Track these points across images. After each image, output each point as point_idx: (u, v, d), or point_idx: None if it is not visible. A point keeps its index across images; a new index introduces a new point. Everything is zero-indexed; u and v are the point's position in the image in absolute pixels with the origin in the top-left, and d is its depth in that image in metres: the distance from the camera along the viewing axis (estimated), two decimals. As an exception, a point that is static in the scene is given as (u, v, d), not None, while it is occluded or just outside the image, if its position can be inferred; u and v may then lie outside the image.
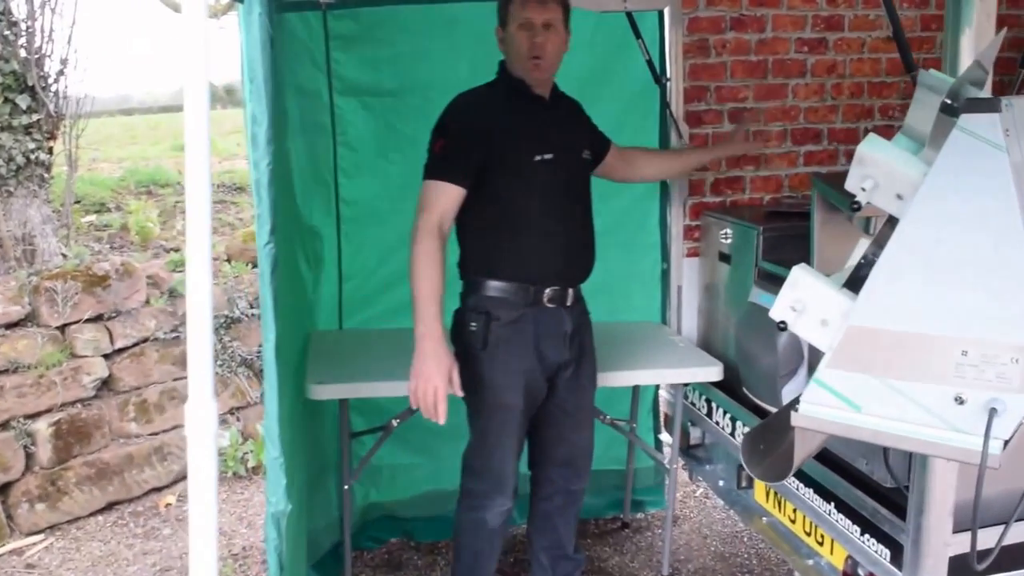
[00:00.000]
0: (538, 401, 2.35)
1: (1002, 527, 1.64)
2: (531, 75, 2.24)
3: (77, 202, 4.96)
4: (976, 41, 1.58)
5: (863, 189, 1.40)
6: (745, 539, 3.23)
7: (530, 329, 2.26)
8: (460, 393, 2.11)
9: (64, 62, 4.33)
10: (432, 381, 2.04)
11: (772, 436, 1.67)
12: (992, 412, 1.20)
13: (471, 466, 2.37)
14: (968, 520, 1.71)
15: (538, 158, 2.22)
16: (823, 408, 1.37)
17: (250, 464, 3.87)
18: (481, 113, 2.22)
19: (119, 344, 3.70)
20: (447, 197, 2.14)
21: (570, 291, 2.32)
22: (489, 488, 2.34)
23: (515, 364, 2.25)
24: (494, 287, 2.24)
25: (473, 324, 2.23)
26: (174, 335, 3.86)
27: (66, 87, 4.35)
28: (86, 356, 3.61)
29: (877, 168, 1.39)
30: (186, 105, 1.15)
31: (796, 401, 1.45)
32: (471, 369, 2.21)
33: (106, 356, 3.67)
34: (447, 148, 2.17)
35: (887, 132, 3.39)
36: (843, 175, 1.48)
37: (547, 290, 2.26)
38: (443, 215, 2.13)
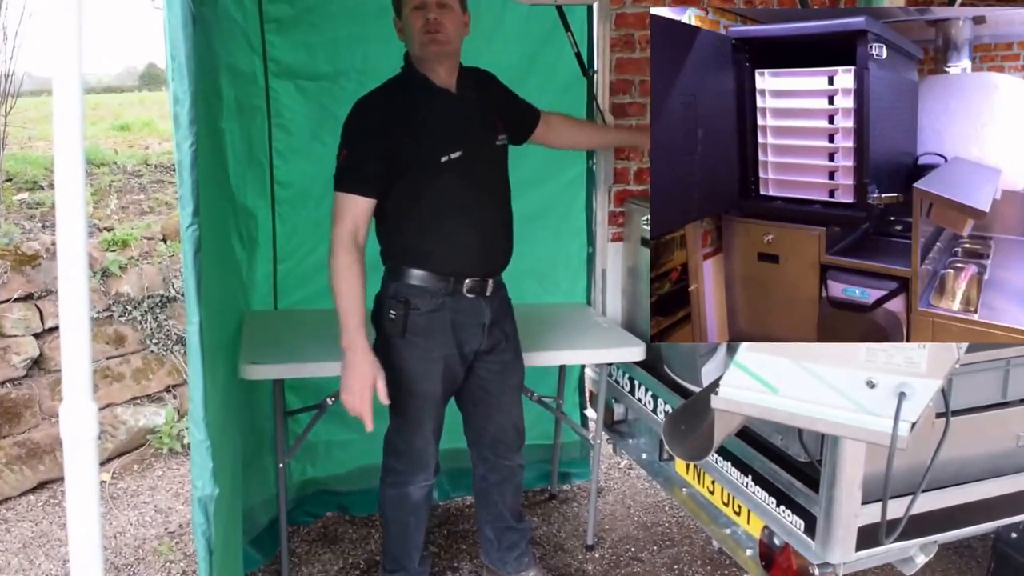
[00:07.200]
0: (457, 385, 2.29)
1: (905, 498, 1.65)
2: (428, 50, 2.08)
3: (9, 180, 4.65)
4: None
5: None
6: (667, 508, 3.23)
7: (448, 318, 2.18)
8: (386, 401, 2.06)
9: (-8, 40, 4.04)
10: (355, 396, 2.02)
11: (693, 417, 1.64)
12: (901, 396, 1.19)
13: (394, 446, 2.31)
14: (876, 492, 1.71)
15: (445, 158, 2.10)
16: (742, 391, 1.34)
17: (186, 441, 3.70)
18: (381, 119, 2.08)
19: (50, 323, 3.48)
20: (356, 208, 2.05)
21: (489, 281, 2.24)
22: (410, 467, 2.30)
23: (433, 352, 2.18)
24: (414, 275, 2.16)
25: (392, 312, 2.15)
26: (106, 314, 3.66)
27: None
28: (16, 335, 3.38)
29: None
30: (56, 94, 0.89)
31: (716, 384, 1.41)
32: (390, 356, 2.15)
33: (36, 335, 3.45)
34: (349, 159, 2.07)
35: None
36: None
37: (466, 281, 2.19)
38: (355, 226, 2.04)
